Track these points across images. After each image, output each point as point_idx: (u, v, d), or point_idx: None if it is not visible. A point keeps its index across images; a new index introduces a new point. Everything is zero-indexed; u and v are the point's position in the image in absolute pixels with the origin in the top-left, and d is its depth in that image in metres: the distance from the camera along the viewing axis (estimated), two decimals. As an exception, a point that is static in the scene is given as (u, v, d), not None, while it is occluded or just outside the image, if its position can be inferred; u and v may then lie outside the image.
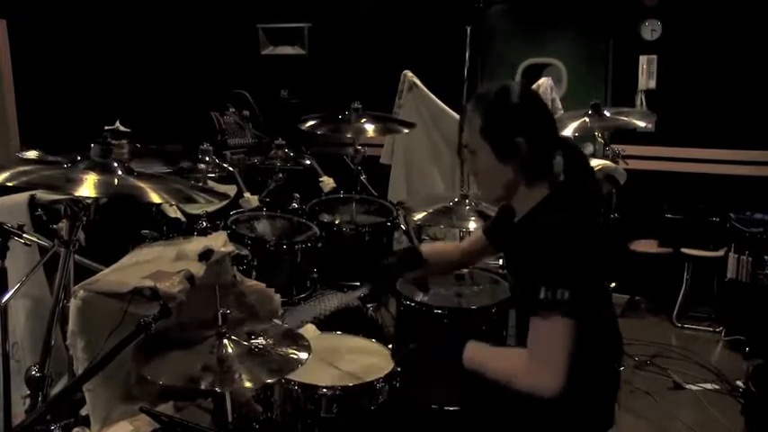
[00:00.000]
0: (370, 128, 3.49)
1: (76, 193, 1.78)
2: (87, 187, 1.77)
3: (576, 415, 1.78)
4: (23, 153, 3.16)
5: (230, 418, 1.95)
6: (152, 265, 2.08)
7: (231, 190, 3.40)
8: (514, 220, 1.95)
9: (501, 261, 3.12)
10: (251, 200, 3.40)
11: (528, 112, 1.87)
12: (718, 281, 4.34)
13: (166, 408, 2.10)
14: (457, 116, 2.03)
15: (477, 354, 1.84)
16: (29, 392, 2.00)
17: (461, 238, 3.51)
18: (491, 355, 1.84)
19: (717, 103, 4.49)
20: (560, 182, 1.86)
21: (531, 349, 1.72)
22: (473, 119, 1.88)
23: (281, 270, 3.02)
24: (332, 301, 2.93)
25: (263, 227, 3.26)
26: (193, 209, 3.00)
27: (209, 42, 5.26)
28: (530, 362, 1.71)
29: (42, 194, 2.67)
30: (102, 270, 2.20)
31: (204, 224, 2.81)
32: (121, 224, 2.81)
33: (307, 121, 3.54)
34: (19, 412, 2.24)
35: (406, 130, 3.67)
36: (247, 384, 1.75)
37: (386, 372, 2.13)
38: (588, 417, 1.83)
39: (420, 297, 2.79)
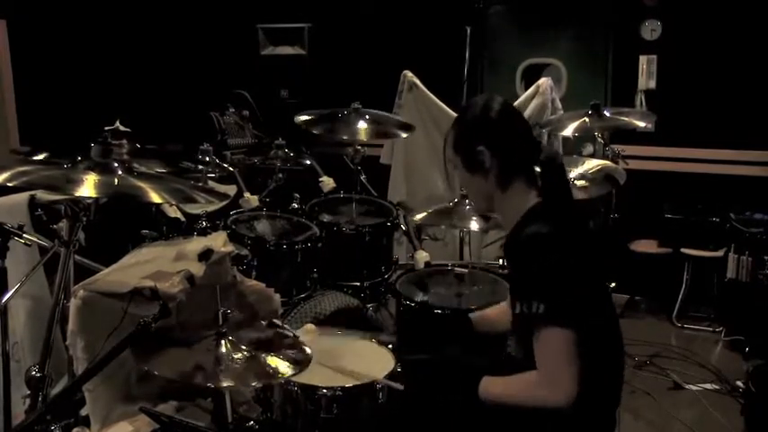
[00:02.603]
0: (365, 128, 3.42)
1: (77, 194, 1.78)
2: (87, 187, 1.77)
3: (579, 420, 1.78)
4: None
5: (230, 419, 1.95)
6: (152, 265, 2.08)
7: (231, 190, 3.40)
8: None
9: (501, 260, 3.12)
10: (251, 200, 3.40)
11: (496, 124, 1.92)
12: (718, 281, 4.33)
13: (166, 408, 2.10)
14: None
15: (491, 385, 1.85)
16: (29, 392, 2.01)
17: (461, 239, 3.52)
18: (505, 382, 1.85)
19: (717, 103, 4.48)
20: (542, 193, 1.88)
21: (537, 364, 1.74)
22: (449, 136, 1.99)
23: (281, 270, 3.02)
24: (332, 302, 2.95)
25: (263, 227, 3.26)
26: (193, 209, 3.00)
27: (210, 42, 5.26)
28: (538, 376, 1.74)
29: (42, 194, 2.67)
30: (102, 270, 2.20)
31: (204, 224, 2.81)
32: (121, 224, 2.82)
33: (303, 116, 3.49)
34: (19, 412, 2.24)
35: (405, 135, 3.65)
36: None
37: (386, 372, 2.14)
38: (590, 422, 1.83)
39: (420, 297, 2.80)
